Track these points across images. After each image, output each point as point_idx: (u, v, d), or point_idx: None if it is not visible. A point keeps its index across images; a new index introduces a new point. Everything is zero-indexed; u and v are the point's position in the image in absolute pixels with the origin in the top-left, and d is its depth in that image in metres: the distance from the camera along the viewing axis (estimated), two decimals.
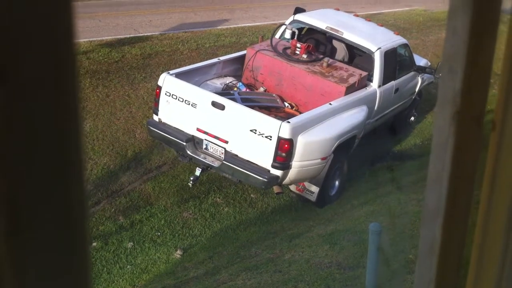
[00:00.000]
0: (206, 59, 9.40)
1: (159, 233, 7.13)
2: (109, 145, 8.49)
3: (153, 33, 12.06)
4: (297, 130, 6.70)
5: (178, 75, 7.35)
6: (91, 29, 11.52)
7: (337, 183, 7.87)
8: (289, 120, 6.74)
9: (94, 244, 6.71)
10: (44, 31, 0.49)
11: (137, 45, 11.18)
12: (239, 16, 14.79)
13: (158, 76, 9.20)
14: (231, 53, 9.32)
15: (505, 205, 0.89)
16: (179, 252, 6.73)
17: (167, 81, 7.20)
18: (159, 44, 11.44)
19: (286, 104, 7.88)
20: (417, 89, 9.99)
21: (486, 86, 0.84)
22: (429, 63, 10.67)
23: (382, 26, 9.70)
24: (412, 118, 10.46)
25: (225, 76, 8.30)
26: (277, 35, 8.84)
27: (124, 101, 9.43)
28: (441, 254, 0.90)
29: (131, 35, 11.73)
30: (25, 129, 0.50)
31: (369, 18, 10.29)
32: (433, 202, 0.90)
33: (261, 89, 8.12)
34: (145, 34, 11.92)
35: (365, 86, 8.20)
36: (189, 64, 9.09)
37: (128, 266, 6.52)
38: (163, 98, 7.23)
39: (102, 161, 8.18)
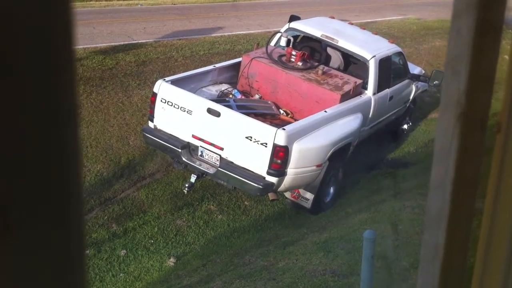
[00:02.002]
0: (200, 67, 9.40)
1: (152, 241, 7.09)
2: (102, 152, 8.45)
3: (148, 40, 12.05)
4: (293, 137, 6.71)
5: (174, 82, 7.35)
6: (85, 36, 11.50)
7: (332, 190, 7.87)
8: (284, 127, 6.75)
9: (87, 251, 6.66)
10: (42, 35, 0.47)
11: (131, 52, 11.16)
12: (233, 24, 14.82)
13: (152, 83, 9.18)
14: (226, 61, 9.32)
15: (510, 209, 0.88)
16: (172, 260, 6.69)
17: (163, 88, 7.20)
18: (153, 51, 11.43)
19: (281, 111, 7.88)
20: (411, 97, 10.04)
21: (490, 87, 0.82)
22: (423, 71, 10.73)
23: (376, 34, 9.75)
24: (406, 126, 10.49)
25: (221, 83, 8.30)
26: (273, 43, 8.86)
27: (118, 108, 9.39)
28: (444, 260, 0.88)
29: (125, 42, 11.72)
30: (20, 130, 0.48)
31: (363, 26, 10.33)
32: (436, 206, 0.88)
33: (257, 96, 8.12)
34: (140, 41, 11.91)
35: (360, 93, 8.22)
36: (183, 71, 9.09)
37: (121, 274, 6.47)
38: (158, 105, 7.23)
39: (96, 168, 8.14)
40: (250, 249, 6.75)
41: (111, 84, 9.88)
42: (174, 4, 16.69)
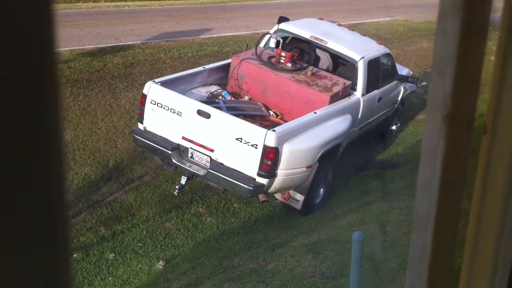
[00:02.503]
0: (188, 68, 9.38)
1: (141, 244, 7.05)
2: (90, 155, 8.40)
3: (135, 42, 12.01)
4: (283, 139, 6.73)
5: (164, 84, 7.35)
6: (72, 38, 11.44)
7: (321, 191, 7.90)
8: (274, 128, 6.77)
9: (75, 255, 6.61)
10: (24, 39, 0.47)
11: (118, 54, 11.11)
12: (221, 25, 14.82)
13: (140, 85, 9.11)
14: (214, 62, 9.31)
15: (497, 210, 0.88)
16: (161, 263, 6.66)
17: (153, 90, 7.20)
18: (141, 53, 11.39)
19: (271, 113, 7.89)
20: (399, 98, 10.10)
21: (476, 89, 0.83)
22: (411, 72, 10.80)
23: (365, 35, 9.80)
24: (395, 127, 10.56)
25: (210, 84, 8.30)
26: (262, 44, 8.87)
27: (105, 110, 9.35)
28: (432, 261, 0.88)
29: (113, 44, 11.67)
30: (2, 132, 0.48)
31: (352, 27, 10.38)
32: (423, 208, 0.88)
33: (246, 98, 8.13)
34: (127, 43, 11.87)
35: (349, 95, 8.26)
36: (171, 73, 9.06)
37: (110, 278, 6.42)
38: (148, 106, 7.22)
39: (83, 171, 8.09)
40: (239, 252, 6.74)
41: (98, 86, 9.83)
42: (162, 6, 16.66)
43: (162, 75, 9.13)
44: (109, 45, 11.57)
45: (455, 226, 0.88)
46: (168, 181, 8.27)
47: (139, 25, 13.46)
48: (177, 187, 7.55)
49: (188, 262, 6.67)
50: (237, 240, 7.25)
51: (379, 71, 8.95)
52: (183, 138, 7.09)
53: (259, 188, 6.81)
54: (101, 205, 7.69)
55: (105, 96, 9.64)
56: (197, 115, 6.92)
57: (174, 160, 7.19)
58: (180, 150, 7.20)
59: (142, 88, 7.43)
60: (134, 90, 9.87)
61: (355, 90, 8.37)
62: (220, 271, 6.07)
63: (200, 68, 8.44)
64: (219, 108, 7.23)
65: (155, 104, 7.16)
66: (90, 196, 7.76)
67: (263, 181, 6.75)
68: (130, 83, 10.17)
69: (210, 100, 7.74)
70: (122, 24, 13.44)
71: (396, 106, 10.16)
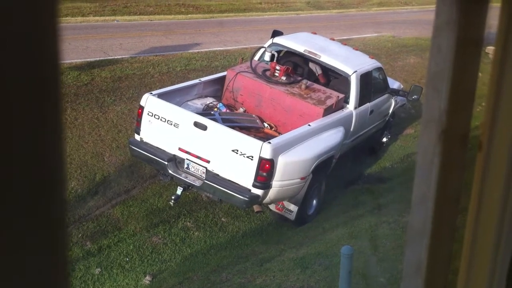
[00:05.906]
0: (177, 83, 9.41)
1: (127, 259, 6.99)
2: (77, 168, 8.34)
3: (124, 56, 12.00)
4: (278, 151, 6.80)
5: (161, 96, 7.41)
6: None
7: (315, 202, 7.96)
8: (270, 140, 6.83)
9: None
10: (28, 49, 0.47)
11: (107, 68, 11.09)
12: (210, 40, 14.87)
13: (128, 99, 9.09)
14: (202, 77, 9.36)
15: (492, 225, 0.88)
16: (148, 278, 6.60)
17: (150, 101, 7.27)
18: (130, 67, 11.37)
19: (266, 125, 7.96)
20: (390, 111, 10.24)
21: (471, 105, 0.83)
22: (402, 86, 10.96)
23: (357, 49, 9.93)
24: (385, 139, 10.67)
25: (206, 96, 8.38)
26: (257, 57, 8.96)
27: (93, 124, 9.30)
28: (427, 276, 0.88)
29: (101, 58, 11.65)
30: (3, 148, 0.47)
31: (345, 42, 10.49)
32: (418, 223, 0.88)
33: (241, 110, 8.20)
34: (115, 57, 11.85)
35: (342, 108, 8.38)
36: (160, 87, 9.10)
37: None
38: (145, 118, 7.29)
39: (70, 185, 8.02)
40: (227, 266, 6.70)
41: (86, 100, 9.78)
42: (151, 20, 16.69)
43: (150, 89, 9.12)
44: (98, 59, 11.55)
45: (450, 242, 0.88)
46: (155, 195, 8.23)
47: (128, 39, 13.46)
48: (173, 197, 7.62)
49: (175, 277, 6.62)
50: (225, 254, 7.21)
51: (371, 85, 9.09)
52: (180, 149, 7.15)
53: (254, 199, 6.86)
54: (88, 219, 7.62)
55: (93, 110, 9.60)
56: (194, 126, 6.98)
57: (170, 171, 7.26)
58: (176, 161, 7.26)
59: (130, 102, 7.46)
60: (122, 104, 9.84)
61: (348, 103, 8.49)
62: (208, 286, 6.02)
63: (196, 81, 8.54)
64: (215, 119, 7.29)
65: (152, 116, 7.24)
66: (76, 210, 7.68)
67: (258, 192, 6.81)
68: (118, 97, 10.13)
69: (206, 112, 7.81)
70: (111, 38, 13.43)
71: (387, 119, 10.29)
